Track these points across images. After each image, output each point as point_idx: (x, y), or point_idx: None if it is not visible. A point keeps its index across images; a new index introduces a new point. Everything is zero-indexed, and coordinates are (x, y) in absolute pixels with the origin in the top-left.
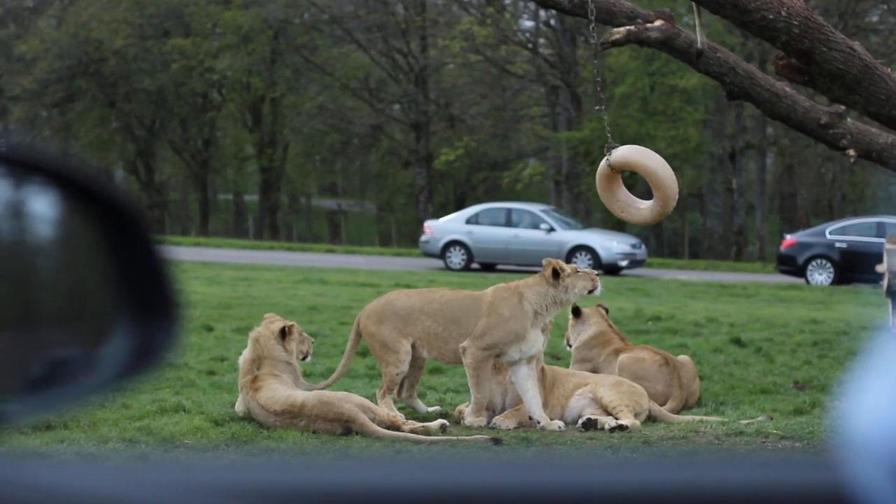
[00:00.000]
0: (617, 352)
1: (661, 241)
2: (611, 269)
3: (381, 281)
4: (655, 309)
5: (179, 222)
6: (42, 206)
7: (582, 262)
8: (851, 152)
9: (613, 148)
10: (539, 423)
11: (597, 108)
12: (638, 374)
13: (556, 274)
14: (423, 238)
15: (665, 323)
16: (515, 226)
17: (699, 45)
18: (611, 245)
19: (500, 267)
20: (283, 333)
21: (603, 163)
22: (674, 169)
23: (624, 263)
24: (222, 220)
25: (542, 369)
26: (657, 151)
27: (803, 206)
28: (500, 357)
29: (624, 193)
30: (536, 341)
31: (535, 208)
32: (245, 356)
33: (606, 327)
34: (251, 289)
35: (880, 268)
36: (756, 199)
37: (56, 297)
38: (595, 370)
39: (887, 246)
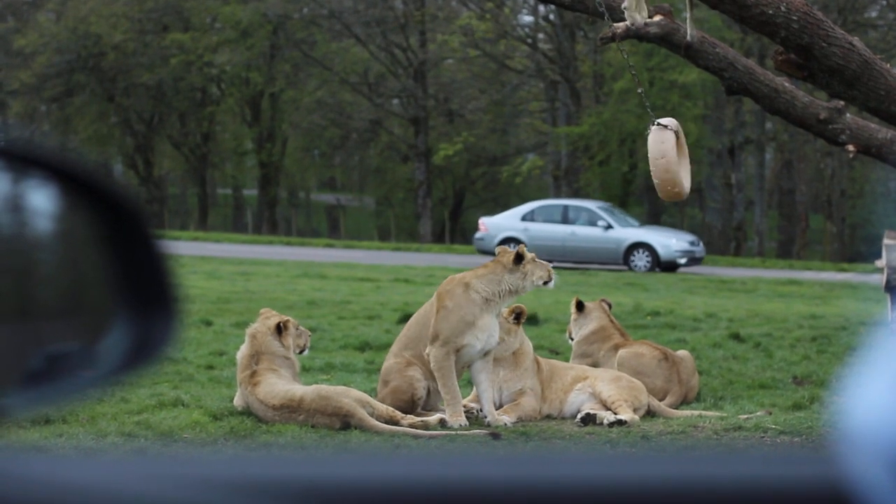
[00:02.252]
0: (617, 347)
1: None
2: (669, 267)
3: (380, 276)
4: (654, 304)
5: (178, 217)
6: (41, 201)
7: (640, 259)
8: (851, 148)
9: (660, 122)
10: (486, 417)
11: (639, 90)
12: (637, 368)
13: (517, 259)
14: (477, 235)
15: (664, 318)
16: (572, 223)
17: (689, 37)
18: (670, 242)
19: (555, 264)
20: (279, 329)
21: (665, 135)
22: None
23: (683, 261)
24: (221, 215)
25: (539, 363)
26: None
27: (802, 201)
28: (460, 353)
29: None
30: (492, 329)
31: (593, 205)
32: (243, 351)
33: (608, 322)
34: (250, 283)
35: (879, 263)
36: (755, 194)
37: (55, 291)
38: (595, 365)
39: (886, 241)
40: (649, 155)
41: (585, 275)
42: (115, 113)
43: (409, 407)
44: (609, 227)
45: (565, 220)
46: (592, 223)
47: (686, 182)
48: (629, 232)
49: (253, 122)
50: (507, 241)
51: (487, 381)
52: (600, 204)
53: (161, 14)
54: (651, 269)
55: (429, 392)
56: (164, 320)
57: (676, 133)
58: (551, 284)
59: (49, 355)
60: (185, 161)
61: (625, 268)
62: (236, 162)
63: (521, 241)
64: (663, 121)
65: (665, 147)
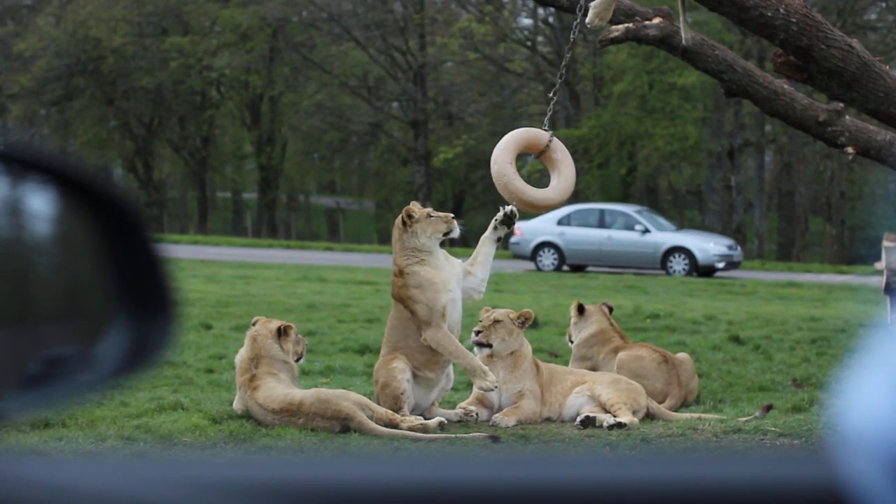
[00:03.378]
0: (616, 350)
1: None
2: (706, 271)
3: (380, 279)
4: (654, 307)
5: (178, 220)
6: (40, 204)
7: (678, 263)
8: (850, 150)
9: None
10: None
11: (550, 95)
12: (636, 371)
13: (404, 222)
14: (513, 239)
15: (663, 321)
16: (608, 227)
17: (684, 41)
18: (707, 247)
19: (590, 269)
20: (280, 332)
21: (537, 133)
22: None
23: (721, 265)
24: (221, 218)
25: (538, 366)
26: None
27: (802, 203)
28: (447, 314)
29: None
30: (450, 276)
31: (629, 209)
32: (242, 355)
33: (607, 325)
34: (250, 287)
35: (879, 265)
36: (755, 196)
37: (53, 294)
38: (595, 368)
39: (885, 243)
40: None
41: (585, 277)
42: (114, 116)
43: (394, 402)
44: (646, 231)
45: (602, 224)
46: (629, 227)
47: (529, 190)
48: (666, 236)
49: (252, 125)
50: (542, 245)
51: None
52: (636, 208)
53: (160, 18)
54: (689, 274)
55: (418, 382)
56: (163, 324)
57: (549, 142)
58: (454, 233)
59: (47, 359)
60: (184, 164)
61: (662, 272)
62: (236, 165)
63: (556, 246)
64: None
65: (497, 168)
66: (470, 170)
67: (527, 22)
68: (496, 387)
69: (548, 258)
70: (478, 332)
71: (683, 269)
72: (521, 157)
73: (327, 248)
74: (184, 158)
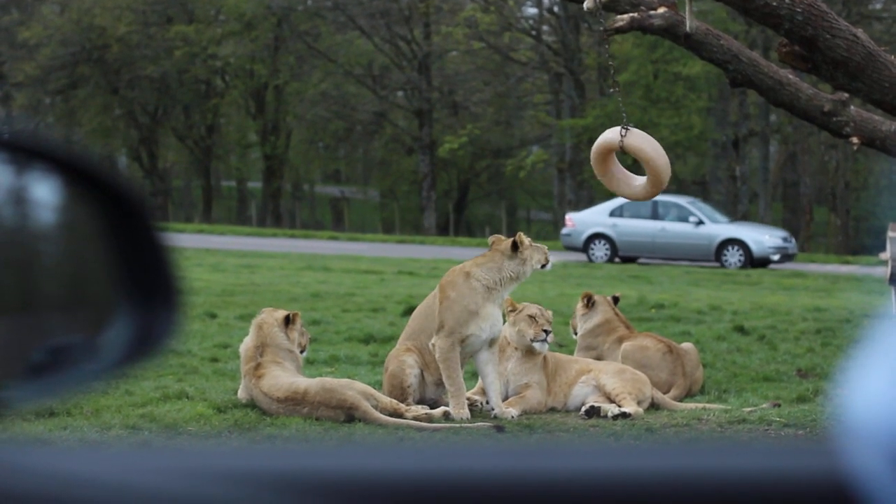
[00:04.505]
0: (621, 339)
1: None
2: (761, 263)
3: (385, 268)
4: (658, 297)
5: (183, 209)
6: (45, 193)
7: (733, 255)
8: (855, 140)
9: (628, 128)
10: (493, 410)
11: (611, 90)
12: (641, 361)
13: (515, 246)
14: (564, 231)
15: (668, 311)
16: (661, 218)
17: (688, 28)
18: (763, 239)
19: (643, 261)
20: (287, 321)
21: (609, 137)
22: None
23: (776, 258)
24: (225, 207)
25: (545, 357)
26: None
27: (806, 193)
28: (465, 343)
29: (619, 168)
30: (495, 318)
31: (683, 200)
32: (247, 343)
33: (613, 315)
34: (254, 276)
35: (883, 255)
36: (759, 186)
37: (58, 283)
38: (600, 358)
39: (890, 234)
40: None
41: (589, 267)
42: (119, 105)
43: (400, 393)
44: (700, 222)
45: (655, 215)
46: (682, 219)
47: (619, 182)
48: (721, 228)
49: (257, 114)
50: (594, 236)
51: (494, 373)
52: (690, 199)
53: (165, 6)
54: (743, 266)
55: (423, 382)
56: (167, 313)
57: (623, 143)
58: (549, 266)
59: (51, 347)
60: (189, 153)
61: (716, 264)
62: (240, 154)
63: (608, 238)
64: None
65: (601, 147)
66: (475, 159)
67: (532, 11)
68: (462, 422)
69: (600, 250)
70: (547, 332)
71: (738, 262)
72: (526, 146)
73: (332, 237)
74: (188, 147)
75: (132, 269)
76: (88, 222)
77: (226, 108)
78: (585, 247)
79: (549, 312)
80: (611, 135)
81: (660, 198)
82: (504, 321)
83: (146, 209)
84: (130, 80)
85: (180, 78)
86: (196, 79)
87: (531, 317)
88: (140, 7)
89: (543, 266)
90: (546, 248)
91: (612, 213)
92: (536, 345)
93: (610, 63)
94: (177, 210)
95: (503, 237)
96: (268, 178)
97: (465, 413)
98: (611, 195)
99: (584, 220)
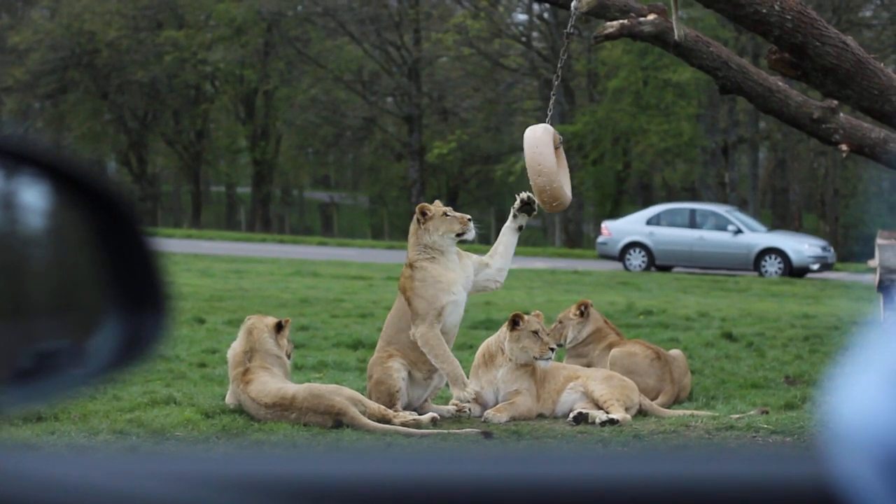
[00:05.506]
0: (611, 347)
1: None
2: (799, 273)
3: (373, 274)
4: (647, 303)
5: (171, 214)
6: (33, 198)
7: (772, 265)
8: (844, 147)
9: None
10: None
11: (567, 32)
12: (629, 368)
13: (418, 220)
14: (600, 239)
15: (656, 317)
16: (699, 227)
17: (677, 37)
18: (802, 248)
19: (678, 269)
20: (279, 327)
21: (546, 135)
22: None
23: (815, 267)
24: (214, 213)
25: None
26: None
27: (795, 200)
28: (443, 316)
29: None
30: (462, 276)
31: (721, 209)
32: (236, 348)
33: (603, 324)
34: (243, 281)
35: (872, 262)
36: (748, 193)
37: (46, 288)
38: (590, 365)
39: (879, 241)
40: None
41: (578, 273)
42: (108, 110)
43: (388, 399)
44: (739, 231)
45: (692, 224)
46: (721, 227)
47: (566, 191)
48: (760, 237)
49: (247, 119)
50: (631, 245)
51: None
52: (728, 208)
53: (155, 11)
54: (782, 276)
55: (413, 382)
56: (156, 318)
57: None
58: (468, 236)
59: (38, 352)
60: (178, 158)
61: (754, 273)
62: (230, 159)
63: (645, 246)
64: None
65: (539, 155)
66: (464, 165)
67: (522, 17)
68: (472, 399)
69: (636, 259)
70: (553, 350)
71: (777, 271)
72: (515, 152)
73: (321, 242)
74: (178, 152)
75: (121, 275)
76: (77, 227)
77: (215, 113)
78: (622, 256)
79: (541, 315)
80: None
81: (698, 206)
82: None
83: (135, 214)
84: (120, 84)
85: (170, 83)
86: (186, 84)
87: (535, 333)
88: (130, 12)
89: (460, 235)
90: (466, 216)
91: (649, 222)
92: (541, 363)
93: (561, 62)
94: (166, 215)
95: (421, 205)
96: (257, 183)
97: (469, 390)
98: (647, 203)
99: (620, 229)
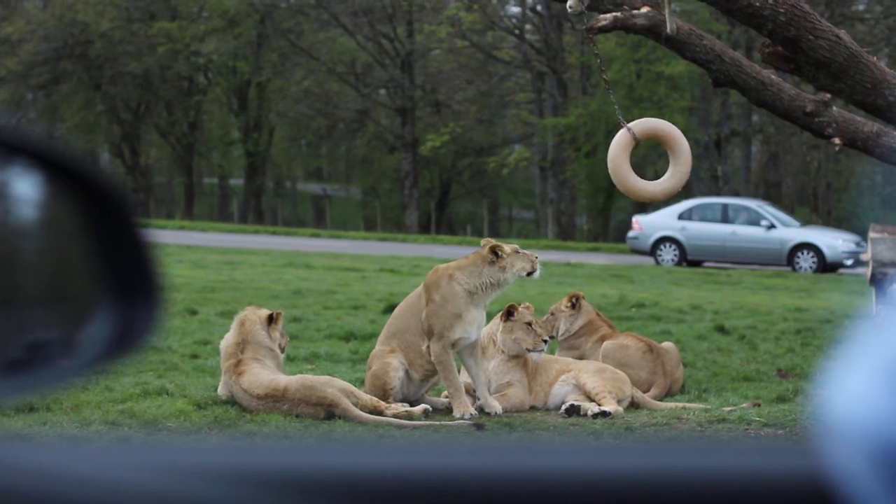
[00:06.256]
0: (603, 339)
1: None
2: (833, 268)
3: (366, 265)
4: (639, 296)
5: (164, 206)
6: (25, 188)
7: (805, 260)
8: (837, 141)
9: (625, 126)
10: (479, 400)
11: (607, 88)
12: (622, 360)
13: (495, 253)
14: (630, 234)
15: (649, 310)
16: (731, 222)
17: (668, 30)
18: (836, 243)
19: (709, 264)
20: (271, 319)
21: (623, 134)
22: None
23: (849, 262)
24: (207, 204)
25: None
26: None
27: (788, 194)
28: (456, 346)
29: (634, 173)
30: (480, 321)
31: (753, 203)
32: (228, 339)
33: (595, 316)
34: (236, 273)
35: (864, 256)
36: (741, 186)
37: (38, 279)
38: (582, 358)
39: (871, 234)
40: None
41: (570, 266)
42: (101, 101)
43: (382, 394)
44: (772, 226)
45: (725, 218)
46: (753, 222)
47: (641, 185)
48: (793, 232)
49: (240, 111)
50: (662, 240)
51: (479, 366)
52: (760, 202)
53: (148, 2)
54: (816, 271)
55: (408, 381)
56: (148, 309)
57: (634, 132)
58: (536, 275)
59: (29, 344)
60: (171, 150)
61: (788, 268)
62: (223, 151)
63: (677, 241)
64: (630, 124)
65: (611, 151)
66: (457, 157)
67: (515, 10)
68: (467, 419)
69: (668, 253)
70: (546, 341)
71: (811, 267)
72: (508, 145)
73: (314, 234)
74: (171, 144)
75: (113, 265)
76: (70, 218)
77: (208, 105)
78: (653, 250)
79: (532, 307)
80: (619, 138)
81: (730, 200)
82: (488, 323)
83: (128, 205)
84: (113, 76)
85: (163, 74)
86: (179, 75)
87: (528, 325)
88: (123, 3)
89: (530, 273)
90: (535, 256)
91: (681, 217)
92: (534, 355)
93: (599, 61)
94: (158, 206)
95: (493, 241)
96: (250, 175)
97: (469, 410)
98: (676, 198)
99: (651, 224)
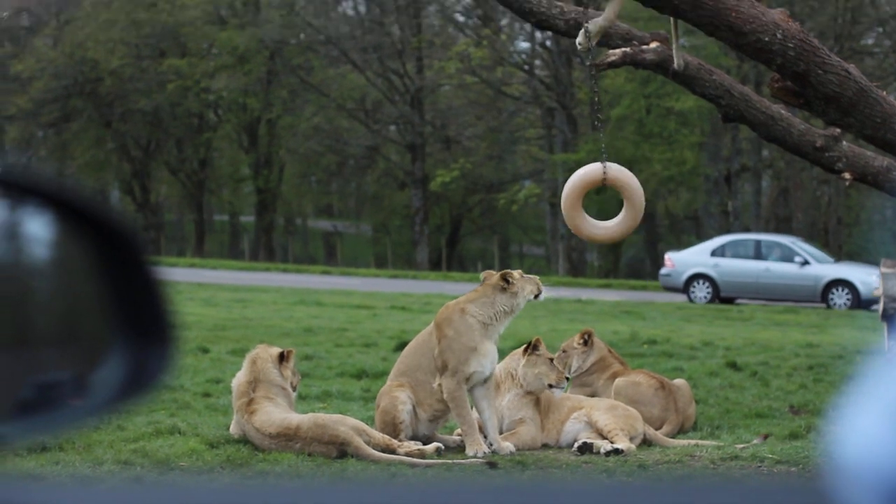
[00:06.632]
0: (615, 376)
1: (657, 264)
2: (867, 305)
3: (377, 303)
4: (651, 332)
5: (175, 243)
6: (38, 228)
7: (840, 297)
8: (847, 175)
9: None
10: (492, 444)
11: (596, 124)
12: (634, 397)
13: (506, 279)
14: (663, 271)
15: (660, 346)
16: (765, 258)
17: (676, 65)
18: (870, 280)
19: (742, 301)
20: (282, 357)
21: (591, 173)
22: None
23: None
24: (218, 241)
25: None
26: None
27: (799, 229)
28: (469, 381)
29: (583, 212)
30: (493, 355)
31: (786, 240)
32: (240, 378)
33: (607, 353)
34: (247, 310)
35: (876, 292)
36: (752, 221)
37: (51, 318)
38: (594, 395)
39: (882, 270)
40: None
41: (581, 302)
42: (112, 139)
43: (392, 430)
44: (805, 262)
45: (758, 255)
46: (786, 259)
47: (592, 226)
48: (827, 268)
49: (250, 148)
50: (695, 277)
51: (491, 408)
52: (793, 239)
53: (158, 39)
54: (851, 308)
55: (416, 418)
56: (161, 349)
57: (605, 176)
58: (542, 297)
59: (42, 384)
60: (181, 187)
61: (822, 305)
62: (233, 188)
63: (710, 278)
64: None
65: (569, 187)
66: (467, 194)
67: (524, 45)
68: (480, 457)
69: (701, 290)
70: (568, 379)
71: (846, 303)
72: (518, 181)
73: (324, 271)
74: (181, 181)
75: (125, 305)
76: (81, 257)
77: (218, 141)
78: (686, 288)
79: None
80: (591, 170)
81: (763, 237)
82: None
83: (139, 245)
84: (123, 113)
85: (173, 111)
86: (189, 112)
87: (551, 360)
88: (133, 40)
89: (536, 297)
90: (537, 278)
91: (714, 253)
92: (556, 391)
93: (596, 98)
94: (169, 244)
95: (494, 272)
96: (260, 212)
97: (482, 448)
98: (650, 233)
99: (684, 261)
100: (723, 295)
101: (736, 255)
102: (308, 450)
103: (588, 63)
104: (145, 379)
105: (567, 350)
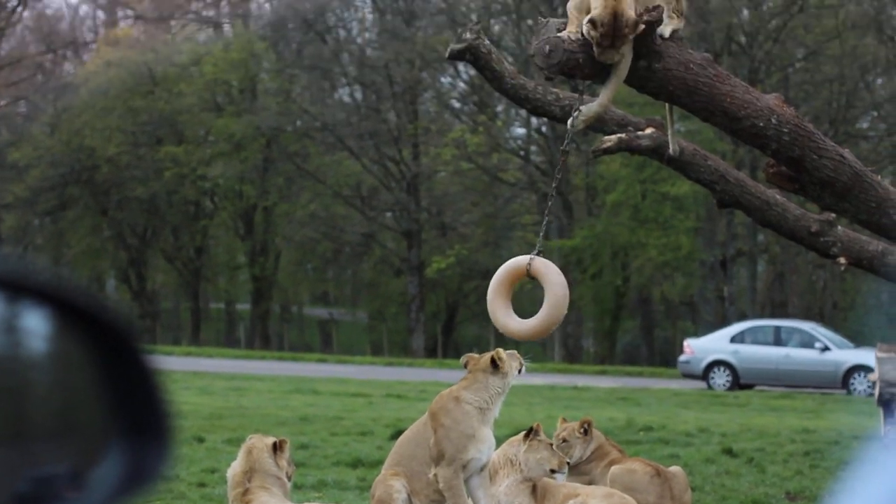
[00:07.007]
0: (612, 464)
1: (653, 350)
2: None
3: (373, 391)
4: (646, 419)
5: (171, 331)
6: (34, 322)
7: (861, 383)
8: (842, 260)
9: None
10: None
11: (549, 202)
12: (629, 485)
13: (494, 363)
14: (682, 358)
15: (656, 433)
16: (785, 344)
17: (671, 151)
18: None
19: (761, 387)
20: (276, 447)
21: (517, 262)
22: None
23: None
24: (214, 329)
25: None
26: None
27: (795, 313)
28: (466, 468)
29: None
30: (491, 441)
31: (806, 326)
32: (235, 468)
33: (604, 440)
34: (243, 399)
35: (872, 376)
36: (747, 306)
37: (48, 411)
38: (591, 483)
39: (878, 354)
40: None
41: (577, 389)
42: (108, 226)
43: None
44: (826, 348)
45: (777, 341)
46: (806, 345)
47: (512, 320)
48: (847, 354)
49: (246, 235)
50: (715, 363)
51: (486, 498)
52: (813, 325)
53: (155, 127)
54: (872, 394)
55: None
56: (158, 443)
57: (530, 267)
58: (523, 370)
59: (39, 478)
60: (178, 275)
61: (843, 391)
62: (229, 276)
63: (730, 364)
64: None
65: (496, 280)
66: (463, 280)
67: (520, 132)
68: None
69: (720, 377)
70: (569, 464)
71: (867, 389)
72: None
73: (320, 359)
74: (177, 269)
75: (122, 397)
76: (78, 351)
77: (215, 229)
78: (705, 374)
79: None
80: (516, 263)
81: (783, 323)
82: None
83: (134, 337)
84: (119, 201)
85: (169, 199)
86: (185, 200)
87: (552, 446)
88: (130, 128)
89: (519, 371)
90: (516, 352)
91: (733, 339)
92: (558, 476)
93: (558, 175)
94: (165, 332)
95: (476, 355)
96: (256, 299)
97: None
98: (646, 318)
99: (703, 347)
100: (742, 382)
101: (755, 342)
102: None
103: (564, 144)
104: (143, 475)
105: (569, 439)
